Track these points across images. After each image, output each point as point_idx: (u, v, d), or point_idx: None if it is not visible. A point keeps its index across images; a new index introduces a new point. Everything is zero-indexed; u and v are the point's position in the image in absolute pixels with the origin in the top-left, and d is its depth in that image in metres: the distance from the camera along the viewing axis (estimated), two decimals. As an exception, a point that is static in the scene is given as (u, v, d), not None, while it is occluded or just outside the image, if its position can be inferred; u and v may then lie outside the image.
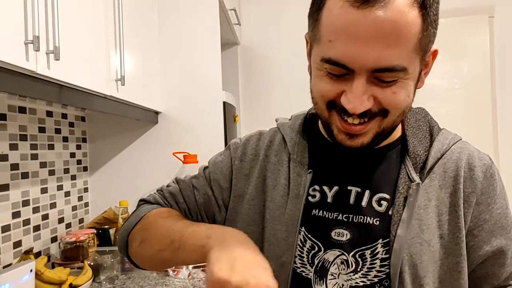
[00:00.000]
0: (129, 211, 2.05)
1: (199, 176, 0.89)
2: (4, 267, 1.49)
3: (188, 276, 1.68)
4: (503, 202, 0.74)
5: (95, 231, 1.87)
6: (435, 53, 0.71)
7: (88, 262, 1.62)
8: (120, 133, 2.19)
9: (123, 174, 2.18)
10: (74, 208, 2.02)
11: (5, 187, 1.50)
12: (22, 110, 1.62)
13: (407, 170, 0.73)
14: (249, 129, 0.98)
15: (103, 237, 1.93)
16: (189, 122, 2.14)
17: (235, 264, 0.57)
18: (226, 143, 2.09)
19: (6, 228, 1.51)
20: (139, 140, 2.18)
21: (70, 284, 1.46)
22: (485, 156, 0.76)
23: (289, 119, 0.88)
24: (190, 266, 1.68)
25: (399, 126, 0.78)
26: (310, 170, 0.77)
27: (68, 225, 1.96)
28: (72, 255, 1.67)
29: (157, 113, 2.14)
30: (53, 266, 1.64)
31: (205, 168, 0.90)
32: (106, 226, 1.96)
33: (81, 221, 2.09)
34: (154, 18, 2.07)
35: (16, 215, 1.57)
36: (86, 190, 2.16)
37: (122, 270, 1.81)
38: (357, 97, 0.64)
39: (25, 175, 1.62)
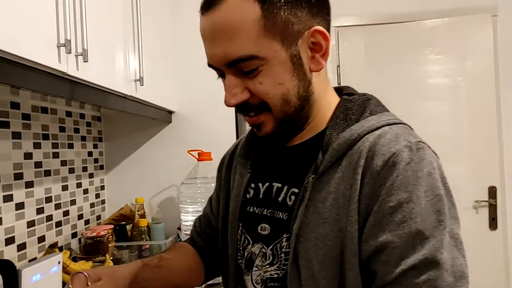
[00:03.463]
0: (145, 207, 2.12)
1: None
2: (29, 261, 1.55)
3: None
4: (403, 196, 0.63)
5: (113, 227, 1.94)
6: (318, 32, 0.69)
7: (108, 256, 1.69)
8: (135, 132, 2.26)
9: (138, 172, 2.25)
10: (92, 205, 2.09)
11: (30, 184, 1.57)
12: (44, 110, 1.69)
13: (317, 164, 0.71)
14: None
15: (120, 233, 2.00)
16: (202, 120, 2.22)
17: None
18: (238, 141, 2.16)
19: (31, 224, 1.58)
20: (153, 139, 2.26)
21: (94, 276, 1.52)
22: (400, 143, 0.67)
23: None
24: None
25: (326, 118, 0.75)
26: (250, 170, 0.84)
27: (87, 221, 2.03)
28: (92, 249, 1.73)
29: (171, 112, 2.21)
30: (74, 260, 1.70)
31: None
32: (123, 222, 2.03)
33: (98, 217, 2.16)
34: (168, 21, 2.15)
35: (40, 211, 1.63)
36: (102, 188, 2.23)
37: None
38: (229, 91, 0.70)
39: (47, 173, 1.69)
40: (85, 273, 0.71)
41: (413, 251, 0.61)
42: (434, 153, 0.71)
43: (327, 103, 0.76)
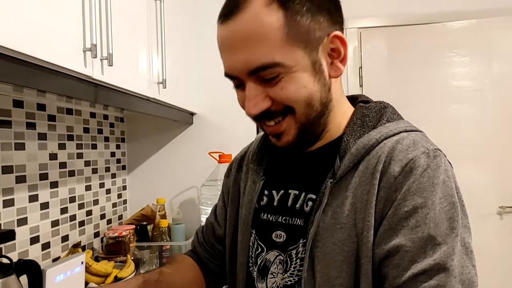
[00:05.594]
0: (166, 208, 2.14)
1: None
2: (53, 260, 1.58)
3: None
4: (418, 201, 0.64)
5: (134, 227, 1.96)
6: (337, 37, 0.70)
7: (130, 257, 1.70)
8: (157, 133, 2.28)
9: (159, 172, 2.27)
10: (114, 205, 2.12)
11: (54, 184, 1.60)
12: (69, 111, 1.71)
13: (335, 169, 0.71)
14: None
15: (141, 233, 2.02)
16: (223, 122, 2.22)
17: None
18: (258, 143, 2.16)
19: (55, 223, 1.60)
20: (175, 140, 2.27)
21: (115, 277, 1.54)
22: (418, 149, 0.68)
23: None
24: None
25: (341, 126, 0.76)
26: (263, 177, 0.82)
27: (109, 221, 2.06)
28: (114, 249, 1.75)
29: (192, 114, 2.23)
30: (96, 260, 1.73)
31: None
32: (144, 223, 2.05)
33: (120, 217, 2.19)
34: (190, 25, 2.16)
35: (64, 210, 1.66)
36: (124, 188, 2.25)
37: (160, 265, 1.89)
38: (250, 101, 0.69)
39: (71, 173, 1.72)
40: None
41: (424, 256, 0.62)
42: (449, 162, 0.72)
43: (342, 110, 0.77)
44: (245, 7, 0.65)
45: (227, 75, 0.71)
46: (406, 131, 0.72)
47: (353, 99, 0.81)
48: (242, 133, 2.17)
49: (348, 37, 2.54)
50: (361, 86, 2.58)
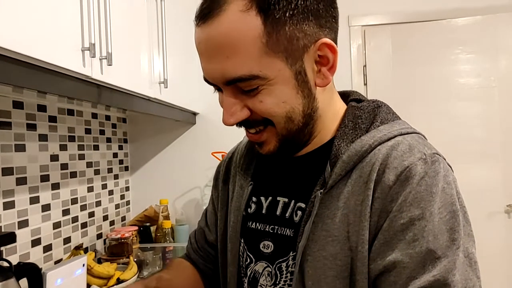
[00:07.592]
0: (169, 209, 2.12)
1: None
2: (55, 262, 1.57)
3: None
4: (415, 212, 0.59)
5: (137, 229, 1.95)
6: (325, 45, 0.63)
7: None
8: (159, 134, 2.27)
9: (162, 173, 2.26)
10: (117, 206, 2.11)
11: (56, 186, 1.59)
12: (70, 112, 1.70)
13: (325, 177, 0.66)
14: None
15: (144, 234, 2.00)
16: (226, 122, 2.20)
17: None
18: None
19: (57, 225, 1.59)
20: (178, 140, 2.26)
21: (118, 279, 1.53)
22: (414, 155, 0.62)
23: None
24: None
25: (332, 128, 0.71)
26: (251, 182, 0.78)
27: (112, 223, 2.04)
28: (117, 251, 1.74)
29: (195, 114, 2.21)
30: (99, 261, 1.71)
31: None
32: (147, 224, 2.04)
33: (123, 218, 2.17)
34: (192, 23, 2.14)
35: (66, 212, 1.65)
36: (127, 189, 2.24)
37: (164, 266, 1.87)
38: (226, 110, 0.65)
39: (73, 175, 1.71)
40: None
41: (423, 271, 0.57)
42: (449, 165, 0.66)
43: (332, 113, 0.71)
44: (221, 11, 0.59)
45: (205, 79, 0.67)
46: (402, 134, 0.66)
47: (345, 96, 0.76)
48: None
49: (352, 35, 2.52)
50: (365, 84, 2.56)
